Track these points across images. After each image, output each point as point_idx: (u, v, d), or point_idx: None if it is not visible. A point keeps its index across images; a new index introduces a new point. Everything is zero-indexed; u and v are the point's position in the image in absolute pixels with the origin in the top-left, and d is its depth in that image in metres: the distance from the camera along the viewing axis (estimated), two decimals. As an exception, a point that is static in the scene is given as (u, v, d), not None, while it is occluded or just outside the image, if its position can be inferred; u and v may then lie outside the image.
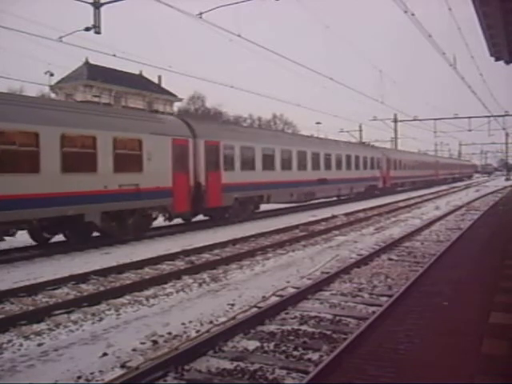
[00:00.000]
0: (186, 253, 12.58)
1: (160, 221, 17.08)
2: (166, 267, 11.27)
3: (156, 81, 55.02)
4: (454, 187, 52.90)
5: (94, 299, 8.38)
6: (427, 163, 55.58)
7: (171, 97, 56.46)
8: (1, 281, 9.83)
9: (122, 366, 5.48)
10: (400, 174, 43.53)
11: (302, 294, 8.23)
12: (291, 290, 8.68)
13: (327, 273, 10.00)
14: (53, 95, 45.68)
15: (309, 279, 9.65)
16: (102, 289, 9.28)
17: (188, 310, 7.73)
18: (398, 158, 44.13)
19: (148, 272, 10.83)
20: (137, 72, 51.84)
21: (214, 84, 68.90)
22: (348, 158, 31.34)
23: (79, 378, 5.25)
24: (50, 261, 12.12)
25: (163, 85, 55.70)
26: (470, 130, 57.07)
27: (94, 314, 7.72)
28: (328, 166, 28.04)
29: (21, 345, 6.41)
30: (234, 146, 19.32)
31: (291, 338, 6.31)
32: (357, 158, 32.89)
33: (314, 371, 5.00)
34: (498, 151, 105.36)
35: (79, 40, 16.86)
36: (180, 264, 11.58)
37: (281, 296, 8.27)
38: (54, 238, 14.24)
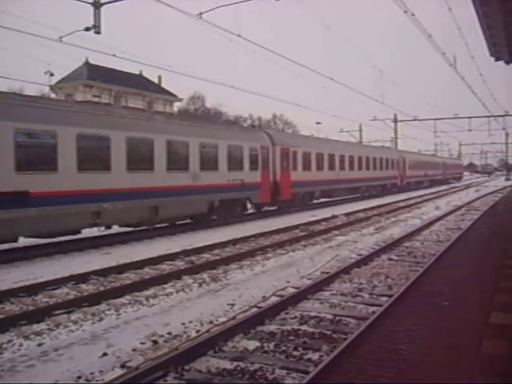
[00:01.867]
0: (186, 253, 12.58)
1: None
2: (166, 267, 11.27)
3: (156, 81, 55.02)
4: (454, 187, 52.89)
5: (94, 299, 8.38)
6: (381, 160, 37.99)
7: (171, 97, 56.46)
8: (1, 281, 9.83)
9: (122, 366, 5.48)
10: (308, 176, 25.47)
11: (302, 294, 8.23)
12: (291, 290, 8.68)
13: (327, 273, 10.00)
14: (53, 95, 45.68)
15: (309, 279, 9.64)
16: (102, 289, 9.27)
17: (188, 310, 7.73)
18: (304, 148, 25.65)
19: (148, 272, 10.83)
20: (137, 72, 51.84)
21: (214, 84, 68.87)
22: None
23: (79, 378, 5.25)
24: (49, 261, 12.12)
25: (163, 85, 55.70)
26: (469, 130, 57.05)
27: (94, 314, 7.72)
28: None
29: (21, 345, 6.42)
30: None
31: (291, 337, 6.31)
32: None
33: (314, 371, 5.00)
34: (498, 151, 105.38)
35: (79, 40, 16.87)
36: (180, 264, 11.57)
37: (281, 296, 8.27)
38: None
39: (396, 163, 41.90)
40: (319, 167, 27.26)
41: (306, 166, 25.60)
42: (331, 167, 28.80)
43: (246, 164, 20.49)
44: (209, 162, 18.18)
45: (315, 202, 28.44)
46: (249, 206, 21.53)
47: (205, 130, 18.89)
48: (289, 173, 23.67)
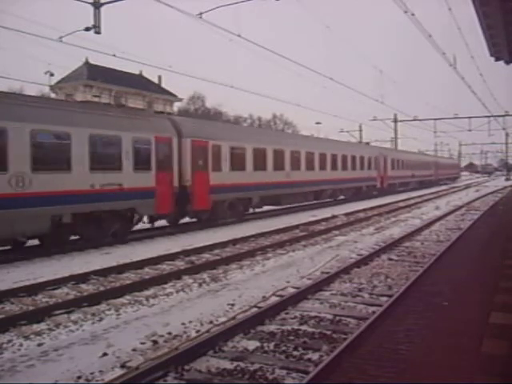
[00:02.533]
0: (186, 253, 12.58)
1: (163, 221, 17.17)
2: (166, 267, 11.27)
3: (156, 81, 55.02)
4: (454, 187, 52.86)
5: (94, 299, 8.38)
6: (353, 159, 32.37)
7: (171, 97, 56.45)
8: (1, 281, 9.83)
9: (122, 366, 5.48)
10: (238, 178, 19.63)
11: (302, 294, 8.23)
12: (291, 290, 8.68)
13: (327, 273, 10.00)
14: (53, 95, 45.68)
15: (309, 279, 9.64)
16: (102, 289, 9.28)
17: (188, 310, 7.73)
18: (233, 142, 19.66)
19: (148, 272, 10.83)
20: (137, 72, 51.84)
21: (214, 84, 68.79)
22: None
23: (79, 378, 5.25)
24: (49, 261, 12.12)
25: (163, 85, 55.70)
26: (469, 130, 57.02)
27: (94, 314, 7.72)
28: None
29: (21, 345, 6.41)
30: None
31: (291, 338, 6.31)
32: None
33: (314, 371, 5.00)
34: (498, 151, 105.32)
35: (79, 40, 16.85)
36: (180, 264, 11.57)
37: (281, 296, 8.27)
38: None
39: (375, 162, 36.11)
40: (259, 166, 21.16)
41: (237, 165, 19.66)
42: (278, 166, 22.77)
43: (128, 162, 14.68)
44: (52, 161, 12.82)
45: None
46: (144, 219, 16.32)
47: (43, 112, 12.77)
48: (206, 174, 17.71)
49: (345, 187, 30.60)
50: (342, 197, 31.06)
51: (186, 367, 5.40)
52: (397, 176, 41.47)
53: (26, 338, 6.67)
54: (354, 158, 32.17)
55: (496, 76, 37.37)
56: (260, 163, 21.38)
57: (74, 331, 6.97)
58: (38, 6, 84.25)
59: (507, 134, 72.07)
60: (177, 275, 10.16)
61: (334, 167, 28.91)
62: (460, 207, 26.06)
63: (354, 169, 32.01)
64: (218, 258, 12.16)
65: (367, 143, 41.09)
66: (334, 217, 20.99)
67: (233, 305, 7.94)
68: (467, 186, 54.78)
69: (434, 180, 57.70)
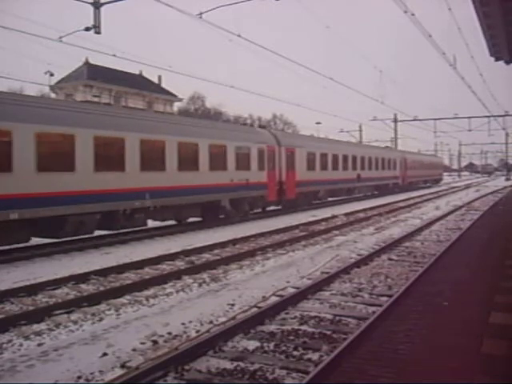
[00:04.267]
0: (186, 253, 12.58)
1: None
2: (166, 267, 11.27)
3: (156, 81, 55.04)
4: (453, 187, 52.86)
5: (94, 299, 8.38)
6: (208, 151, 17.77)
7: (171, 97, 56.48)
8: (1, 281, 9.83)
9: (122, 366, 5.47)
10: None
11: (302, 294, 8.22)
12: (291, 290, 8.67)
13: (327, 273, 10.00)
14: (53, 95, 45.69)
15: (309, 279, 9.64)
16: (102, 289, 9.27)
17: (188, 310, 7.73)
18: None
19: (148, 272, 10.83)
20: (137, 72, 51.87)
21: (214, 84, 68.98)
22: None
23: (79, 378, 5.25)
24: (49, 261, 12.12)
25: (163, 85, 55.73)
26: (469, 130, 57.01)
27: (93, 314, 7.72)
28: None
29: (21, 345, 6.41)
30: None
31: (291, 337, 6.31)
32: None
33: (314, 371, 4.99)
34: (498, 151, 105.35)
35: (79, 40, 16.90)
36: (180, 264, 11.57)
37: (281, 296, 8.26)
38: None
39: (260, 158, 21.30)
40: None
41: None
42: None
43: None
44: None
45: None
46: None
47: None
48: None
49: (173, 203, 16.31)
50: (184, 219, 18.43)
51: (186, 367, 5.40)
52: (319, 180, 26.69)
53: (26, 338, 6.67)
54: (192, 149, 17.38)
55: (496, 76, 37.40)
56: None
57: (73, 331, 6.97)
58: (37, 6, 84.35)
59: (507, 134, 72.14)
60: (177, 275, 10.16)
61: (139, 165, 15.06)
62: (460, 207, 26.06)
63: (192, 169, 17.35)
64: (217, 257, 12.16)
65: (248, 125, 23.27)
66: (333, 217, 20.99)
67: (233, 305, 7.94)
68: (467, 186, 54.81)
69: (402, 184, 43.07)
